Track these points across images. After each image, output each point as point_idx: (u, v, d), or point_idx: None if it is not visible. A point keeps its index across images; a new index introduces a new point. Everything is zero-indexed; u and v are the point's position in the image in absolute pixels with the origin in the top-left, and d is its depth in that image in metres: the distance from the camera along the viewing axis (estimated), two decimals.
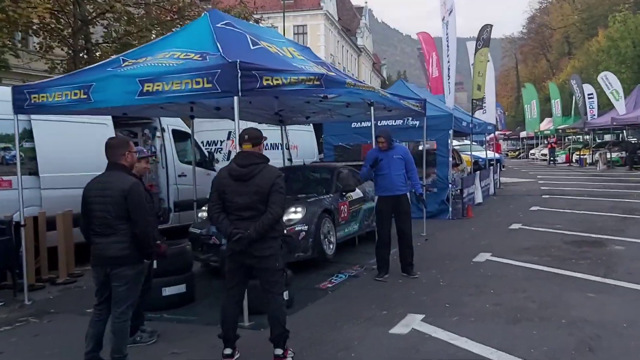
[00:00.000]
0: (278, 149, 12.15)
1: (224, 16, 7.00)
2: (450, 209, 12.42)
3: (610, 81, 29.29)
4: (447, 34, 12.82)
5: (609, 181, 21.16)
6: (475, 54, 14.84)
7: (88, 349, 4.21)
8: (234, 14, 14.08)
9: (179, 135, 10.94)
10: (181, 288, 6.11)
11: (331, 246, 8.04)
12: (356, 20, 62.51)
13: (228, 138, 12.71)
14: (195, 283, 6.41)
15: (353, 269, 7.72)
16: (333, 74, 6.95)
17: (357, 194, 9.00)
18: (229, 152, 12.66)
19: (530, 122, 43.12)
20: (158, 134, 10.54)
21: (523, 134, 50.41)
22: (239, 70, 5.24)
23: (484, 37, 14.76)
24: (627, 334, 4.92)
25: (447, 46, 12.93)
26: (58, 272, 7.64)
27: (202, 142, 12.53)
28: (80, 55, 14.31)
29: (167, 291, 5.98)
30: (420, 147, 11.40)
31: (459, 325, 5.21)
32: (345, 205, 8.63)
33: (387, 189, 7.12)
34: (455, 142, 22.18)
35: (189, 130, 10.15)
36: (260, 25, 15.56)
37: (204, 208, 8.00)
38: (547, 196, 16.46)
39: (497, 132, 37.10)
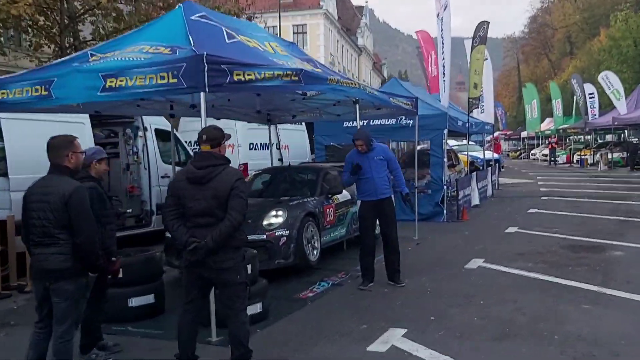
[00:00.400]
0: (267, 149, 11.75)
1: (199, 8, 6.56)
2: (444, 211, 12.01)
3: (611, 81, 28.99)
4: (442, 30, 12.44)
5: (610, 182, 20.78)
6: (471, 52, 14.42)
7: None
8: (223, 11, 13.71)
9: (162, 135, 10.53)
10: (149, 298, 5.71)
11: (315, 252, 7.65)
12: (356, 20, 62.08)
13: None
14: (165, 293, 5.99)
15: (337, 276, 7.33)
16: (319, 70, 6.58)
17: (344, 196, 8.60)
18: None
19: (531, 122, 42.67)
20: (140, 133, 10.17)
21: (524, 134, 50.00)
22: (205, 64, 4.82)
23: (480, 35, 14.36)
24: (624, 352, 4.52)
25: (442, 43, 12.56)
26: (27, 279, 7.25)
27: (190, 142, 12.14)
28: (68, 52, 13.94)
29: (134, 302, 5.59)
30: (418, 147, 11.00)
31: (442, 342, 4.82)
32: (332, 209, 8.24)
33: (370, 193, 6.71)
34: (453, 142, 21.95)
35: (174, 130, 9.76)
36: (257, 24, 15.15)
37: None
38: (546, 198, 16.07)
39: (498, 132, 36.86)
